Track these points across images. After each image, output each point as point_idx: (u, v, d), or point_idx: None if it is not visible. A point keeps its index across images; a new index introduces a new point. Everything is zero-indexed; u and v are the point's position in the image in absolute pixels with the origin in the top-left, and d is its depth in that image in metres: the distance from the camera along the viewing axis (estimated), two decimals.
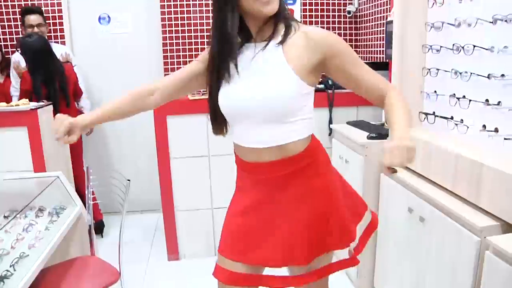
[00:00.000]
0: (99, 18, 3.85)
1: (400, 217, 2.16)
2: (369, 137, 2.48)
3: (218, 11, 1.37)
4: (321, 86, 3.06)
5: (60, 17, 3.70)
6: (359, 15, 3.79)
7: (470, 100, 1.86)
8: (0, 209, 2.26)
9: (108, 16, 3.85)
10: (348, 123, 2.95)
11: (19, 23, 3.59)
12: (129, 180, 2.16)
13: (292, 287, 1.52)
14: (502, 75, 1.67)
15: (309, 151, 1.47)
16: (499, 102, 1.70)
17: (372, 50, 3.61)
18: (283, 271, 1.56)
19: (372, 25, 3.56)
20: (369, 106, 3.03)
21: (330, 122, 3.07)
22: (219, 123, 1.52)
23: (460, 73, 1.92)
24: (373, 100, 1.47)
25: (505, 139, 1.66)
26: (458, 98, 1.94)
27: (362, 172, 2.48)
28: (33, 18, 3.32)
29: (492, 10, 1.69)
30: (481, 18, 1.77)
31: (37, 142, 2.71)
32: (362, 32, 3.78)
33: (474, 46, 1.80)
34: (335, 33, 3.58)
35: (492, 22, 1.69)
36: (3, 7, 3.62)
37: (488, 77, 1.73)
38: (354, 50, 3.67)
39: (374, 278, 2.60)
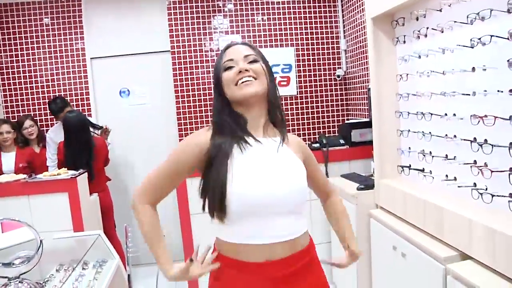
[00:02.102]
0: (120, 92, 4.40)
1: (387, 254, 2.58)
2: (358, 188, 2.93)
3: (214, 99, 1.47)
4: (317, 145, 3.54)
5: (87, 93, 4.24)
6: (347, 77, 4.32)
7: (433, 156, 2.33)
8: (51, 264, 2.67)
9: (128, 90, 4.40)
10: (342, 175, 3.41)
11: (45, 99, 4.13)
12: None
13: None
14: (454, 136, 2.14)
15: (311, 243, 1.50)
16: (455, 156, 2.17)
17: (359, 108, 4.11)
18: None
19: (358, 86, 4.07)
20: (359, 160, 3.50)
21: (327, 175, 3.53)
22: (223, 211, 1.32)
23: (424, 134, 2.40)
24: (319, 194, 1.73)
25: (458, 186, 2.11)
26: (424, 155, 2.41)
27: (354, 218, 2.91)
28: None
29: (443, 86, 2.19)
30: (434, 92, 2.26)
31: (76, 205, 3.15)
32: (350, 92, 4.29)
33: (432, 114, 2.29)
34: (327, 94, 4.14)
35: (443, 95, 2.18)
36: (37, 93, 4.18)
37: (445, 137, 2.21)
38: (344, 110, 4.17)
39: None
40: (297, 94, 4.30)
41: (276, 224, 1.34)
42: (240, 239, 1.36)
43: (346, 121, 4.05)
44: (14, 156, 3.73)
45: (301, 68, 4.30)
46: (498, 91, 1.80)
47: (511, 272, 1.65)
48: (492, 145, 1.85)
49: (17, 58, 4.16)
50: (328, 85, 4.35)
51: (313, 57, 4.29)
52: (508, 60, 1.70)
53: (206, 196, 1.37)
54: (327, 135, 4.26)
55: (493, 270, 1.76)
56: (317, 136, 4.26)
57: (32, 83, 4.20)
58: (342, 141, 3.60)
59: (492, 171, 1.87)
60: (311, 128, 4.35)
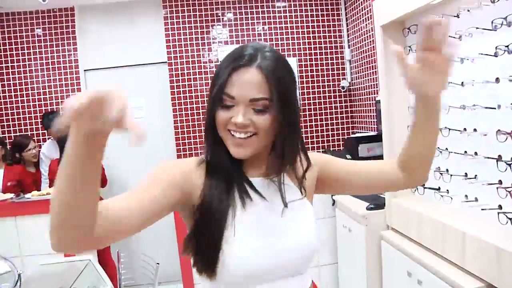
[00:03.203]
0: None
1: (401, 280, 2.38)
2: (368, 208, 2.73)
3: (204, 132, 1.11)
4: None
5: None
6: (352, 88, 4.15)
7: (451, 175, 2.15)
8: None
9: None
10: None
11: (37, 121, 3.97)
12: (158, 263, 2.40)
13: None
14: (475, 153, 1.96)
15: None
16: (476, 175, 1.98)
17: (365, 121, 3.94)
18: None
19: (364, 98, 3.91)
20: None
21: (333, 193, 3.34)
22: (214, 269, 1.04)
23: (441, 151, 2.21)
24: (386, 175, 1.27)
25: (482, 209, 1.92)
26: (441, 173, 2.22)
27: (364, 240, 2.72)
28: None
29: (462, 99, 2.01)
30: (452, 105, 2.08)
31: None
32: (356, 104, 4.12)
33: (450, 129, 2.11)
34: (331, 106, 3.96)
35: (462, 108, 2.00)
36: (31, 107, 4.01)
37: (464, 154, 2.02)
38: (349, 122, 3.99)
39: None
40: (300, 106, 4.13)
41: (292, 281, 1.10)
42: None
43: (352, 135, 3.86)
44: (2, 174, 3.54)
45: (304, 80, 4.14)
46: None
47: None
48: None
49: (7, 71, 4.00)
50: (332, 96, 4.19)
51: (316, 68, 4.13)
52: None
53: (195, 251, 1.07)
54: (332, 149, 4.09)
55: None
56: (321, 150, 4.07)
57: (23, 96, 4.03)
58: (348, 156, 3.41)
59: None
60: (315, 142, 4.17)
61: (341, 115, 4.19)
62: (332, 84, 4.18)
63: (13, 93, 4.01)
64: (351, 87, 4.15)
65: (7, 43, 3.98)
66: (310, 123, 4.16)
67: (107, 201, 0.91)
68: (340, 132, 4.19)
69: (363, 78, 3.88)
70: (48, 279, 2.53)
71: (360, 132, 3.92)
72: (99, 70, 4.16)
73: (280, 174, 1.11)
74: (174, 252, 3.39)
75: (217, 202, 1.04)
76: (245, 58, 1.00)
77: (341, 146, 4.14)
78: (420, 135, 1.18)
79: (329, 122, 4.18)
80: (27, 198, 2.99)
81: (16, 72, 4.00)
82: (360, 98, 3.99)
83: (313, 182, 1.22)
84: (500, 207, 1.84)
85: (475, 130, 1.95)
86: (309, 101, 4.14)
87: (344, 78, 4.16)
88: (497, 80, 1.78)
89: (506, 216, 1.77)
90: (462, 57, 1.99)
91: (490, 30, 1.77)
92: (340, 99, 4.20)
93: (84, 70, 4.11)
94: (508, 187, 1.76)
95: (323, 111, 4.17)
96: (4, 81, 4.00)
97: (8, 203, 2.99)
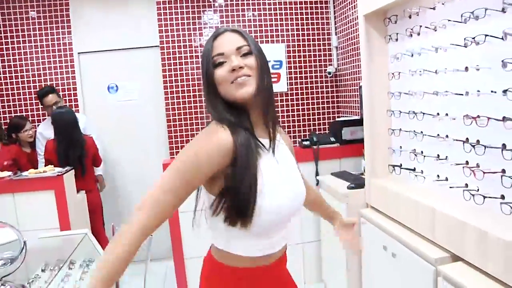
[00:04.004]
0: (108, 87, 4.33)
1: (378, 254, 2.56)
2: (349, 187, 2.90)
3: (208, 103, 1.30)
4: (307, 142, 3.51)
5: (75, 89, 4.17)
6: (338, 74, 4.29)
7: (424, 156, 2.31)
8: (36, 263, 2.62)
9: (116, 85, 4.33)
10: (332, 174, 3.38)
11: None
12: (151, 235, 2.54)
13: None
14: (446, 136, 2.12)
15: None
16: (446, 157, 2.15)
17: (350, 106, 4.09)
18: None
19: (349, 84, 4.05)
20: (350, 158, 3.47)
21: (317, 174, 3.50)
22: (249, 218, 1.21)
23: (416, 134, 2.38)
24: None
25: (450, 187, 2.09)
26: (416, 154, 2.39)
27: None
28: (50, 98, 3.77)
29: (436, 85, 2.17)
30: (426, 91, 2.24)
31: (63, 203, 3.10)
32: (341, 90, 4.27)
33: (424, 113, 2.27)
34: (318, 91, 4.10)
35: (435, 94, 2.16)
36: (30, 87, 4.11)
37: (437, 136, 2.19)
38: (335, 107, 4.13)
39: None
40: (288, 90, 4.27)
41: (285, 232, 1.38)
42: (258, 251, 1.31)
43: (337, 119, 4.02)
44: None
45: (292, 65, 4.27)
46: (491, 91, 1.78)
47: (503, 274, 1.64)
48: (484, 146, 1.83)
49: (2, 53, 4.07)
50: (319, 82, 4.33)
51: (304, 54, 4.26)
52: (502, 60, 1.68)
53: (228, 202, 1.22)
54: (317, 132, 4.24)
55: (484, 272, 1.74)
56: (307, 133, 4.23)
57: (19, 78, 4.12)
58: (332, 139, 3.57)
59: (484, 172, 1.85)
60: (302, 126, 4.32)
61: (327, 100, 4.34)
62: (319, 70, 4.31)
63: (8, 75, 4.10)
64: (337, 73, 4.29)
65: (1, 25, 4.05)
66: (297, 107, 4.31)
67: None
68: (326, 116, 4.34)
69: (348, 64, 4.02)
70: (46, 252, 2.65)
71: (345, 116, 4.08)
72: (92, 53, 4.25)
73: (275, 131, 1.33)
74: (165, 229, 3.55)
75: (247, 148, 1.20)
76: (220, 29, 1.30)
77: (327, 129, 4.29)
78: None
79: (315, 106, 4.33)
80: (24, 175, 3.12)
81: (11, 54, 4.08)
82: (345, 84, 4.14)
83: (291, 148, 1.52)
84: (466, 185, 2.01)
85: (446, 114, 2.11)
86: (296, 86, 4.28)
87: (331, 64, 4.30)
88: (466, 69, 1.93)
89: (470, 193, 1.94)
90: (436, 47, 2.14)
91: (460, 22, 1.92)
92: (327, 84, 4.34)
93: (78, 53, 4.20)
94: (472, 167, 1.93)
95: (309, 96, 4.31)
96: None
97: (6, 180, 3.10)
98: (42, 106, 3.89)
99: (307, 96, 4.31)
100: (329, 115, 4.35)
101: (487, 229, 1.71)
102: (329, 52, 4.28)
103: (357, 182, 2.93)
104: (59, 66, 4.15)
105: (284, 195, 1.27)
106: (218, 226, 1.28)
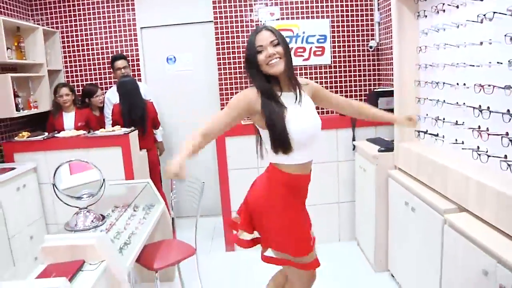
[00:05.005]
0: (167, 59, 4.78)
1: (400, 209, 2.87)
2: (379, 150, 3.20)
3: (249, 74, 2.04)
4: None
5: (138, 60, 4.64)
6: (380, 48, 4.51)
7: (443, 122, 2.58)
8: (107, 206, 3.09)
9: (174, 57, 4.77)
10: (367, 139, 3.68)
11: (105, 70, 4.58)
12: (203, 182, 2.97)
13: None
14: (464, 103, 2.38)
15: None
16: (463, 122, 2.41)
17: (389, 78, 4.31)
18: None
19: (390, 57, 4.26)
20: (385, 126, 3.74)
21: (354, 139, 3.81)
22: (288, 145, 1.95)
23: (437, 102, 2.64)
24: (345, 107, 2.36)
25: (462, 148, 2.36)
26: (437, 120, 2.66)
27: (374, 177, 3.20)
28: (120, 63, 4.26)
29: (457, 58, 2.41)
30: (447, 63, 2.49)
31: (128, 158, 3.59)
32: (382, 63, 4.49)
33: (444, 83, 2.53)
34: (360, 64, 4.35)
35: (455, 66, 2.41)
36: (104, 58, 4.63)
37: (455, 104, 2.45)
38: (376, 79, 4.34)
39: (388, 259, 3.29)
40: (331, 63, 4.54)
41: (313, 149, 2.07)
42: (293, 160, 2.02)
43: (374, 90, 4.26)
44: (74, 115, 4.19)
45: (336, 39, 4.51)
46: (497, 62, 2.02)
47: (496, 221, 1.92)
48: (489, 111, 2.09)
49: (76, 28, 4.59)
50: (361, 55, 4.55)
51: (347, 29, 4.49)
52: (505, 35, 1.92)
53: (272, 139, 1.98)
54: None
55: (483, 220, 2.03)
56: None
57: (90, 50, 4.63)
58: None
59: (489, 135, 2.11)
60: (344, 96, 4.58)
61: (368, 73, 4.57)
62: (362, 44, 4.53)
63: (80, 48, 4.62)
64: (379, 47, 4.50)
65: (71, 5, 4.57)
66: (340, 79, 4.57)
67: (208, 131, 1.94)
68: (367, 88, 4.58)
69: (389, 39, 4.22)
70: (114, 197, 3.11)
71: (383, 88, 4.31)
72: (153, 28, 4.68)
73: (296, 87, 2.06)
74: (215, 188, 3.96)
75: (276, 107, 1.96)
76: (259, 28, 2.05)
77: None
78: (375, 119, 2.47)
79: (357, 78, 4.57)
80: (96, 134, 3.63)
81: (83, 30, 4.60)
82: (386, 58, 4.35)
83: (310, 94, 2.18)
84: (478, 148, 2.27)
85: (464, 84, 2.36)
86: (339, 59, 4.53)
87: (373, 39, 4.51)
88: (481, 43, 2.17)
89: (477, 153, 2.21)
90: (457, 23, 2.38)
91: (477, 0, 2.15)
92: (368, 58, 4.56)
93: (140, 28, 4.65)
94: (480, 130, 2.19)
95: (352, 68, 4.55)
96: (73, 37, 4.61)
97: (81, 137, 3.62)
98: (111, 71, 4.39)
99: (349, 68, 4.56)
100: (370, 87, 4.59)
101: (486, 182, 1.99)
102: (372, 27, 4.49)
103: (387, 146, 3.22)
104: (124, 40, 4.63)
105: (304, 122, 1.99)
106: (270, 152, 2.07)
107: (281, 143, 1.95)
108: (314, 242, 2.17)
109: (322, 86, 2.30)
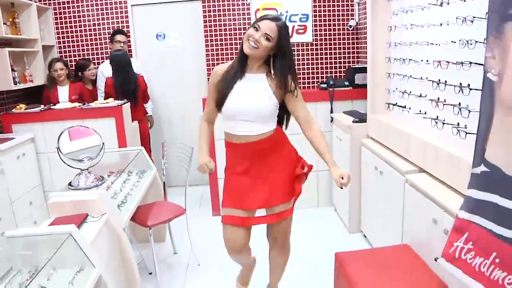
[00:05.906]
0: (157, 35, 4.99)
1: (371, 174, 3.19)
2: (353, 121, 3.50)
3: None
4: (324, 85, 4.09)
5: (128, 36, 4.84)
6: (359, 28, 4.77)
7: (409, 95, 2.87)
8: (103, 171, 3.32)
9: (164, 34, 4.98)
10: (344, 112, 3.97)
11: (99, 46, 4.78)
12: (192, 147, 3.23)
13: (268, 223, 2.39)
14: (426, 78, 2.67)
15: (279, 136, 2.32)
16: (426, 95, 2.70)
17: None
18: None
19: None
20: (360, 100, 4.03)
21: (331, 111, 4.09)
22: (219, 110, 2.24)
23: (404, 77, 2.93)
24: (301, 123, 2.30)
25: (423, 118, 2.66)
26: (403, 93, 2.95)
27: (349, 145, 3.51)
28: (121, 37, 4.49)
29: (424, 36, 2.68)
30: (413, 42, 2.77)
31: (121, 128, 3.84)
32: (361, 42, 4.76)
33: (410, 59, 2.81)
34: (340, 43, 4.60)
35: (421, 44, 2.68)
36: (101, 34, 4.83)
37: (419, 79, 2.73)
38: (355, 57, 4.59)
39: (361, 221, 3.62)
40: (313, 41, 4.79)
41: (241, 126, 2.21)
42: (228, 130, 2.28)
43: (351, 66, 4.54)
44: (68, 89, 4.40)
45: (317, 18, 4.75)
46: (452, 41, 2.30)
47: (448, 179, 2.23)
48: (445, 84, 2.38)
49: (68, 5, 4.77)
50: (341, 34, 4.81)
51: (328, 9, 4.73)
52: (456, 18, 2.19)
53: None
54: (334, 75, 4.78)
55: (437, 179, 2.35)
56: (325, 79, 4.76)
57: (82, 27, 4.82)
58: (346, 83, 4.14)
59: (444, 105, 2.41)
60: (324, 72, 4.85)
61: (348, 50, 4.83)
62: (342, 23, 4.79)
63: (73, 25, 4.81)
64: (358, 26, 4.76)
65: None
66: (321, 56, 4.82)
67: (206, 115, 2.40)
68: (346, 64, 4.85)
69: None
70: (109, 163, 3.34)
71: (360, 64, 4.59)
72: (143, 5, 4.87)
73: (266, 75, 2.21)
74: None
75: (226, 77, 2.22)
76: (269, 15, 2.15)
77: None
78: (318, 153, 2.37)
79: (337, 56, 4.84)
80: (91, 105, 3.86)
81: (75, 6, 4.77)
82: (364, 36, 4.61)
83: (279, 95, 2.23)
84: (437, 117, 2.57)
85: (427, 61, 2.64)
86: (320, 37, 4.77)
87: (353, 18, 4.76)
88: (441, 24, 2.44)
89: (434, 121, 2.51)
90: (421, 6, 2.65)
91: None
92: (348, 36, 4.82)
93: (131, 5, 4.84)
94: (437, 101, 2.49)
95: (332, 46, 4.81)
96: (66, 14, 4.79)
97: (77, 109, 3.85)
98: (110, 43, 4.59)
99: (330, 46, 4.82)
100: (349, 64, 4.86)
101: (440, 146, 2.30)
102: (352, 8, 4.73)
103: (360, 117, 3.52)
104: (115, 17, 4.81)
105: (239, 101, 2.16)
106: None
107: (218, 107, 2.24)
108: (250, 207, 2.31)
109: (301, 87, 2.45)
